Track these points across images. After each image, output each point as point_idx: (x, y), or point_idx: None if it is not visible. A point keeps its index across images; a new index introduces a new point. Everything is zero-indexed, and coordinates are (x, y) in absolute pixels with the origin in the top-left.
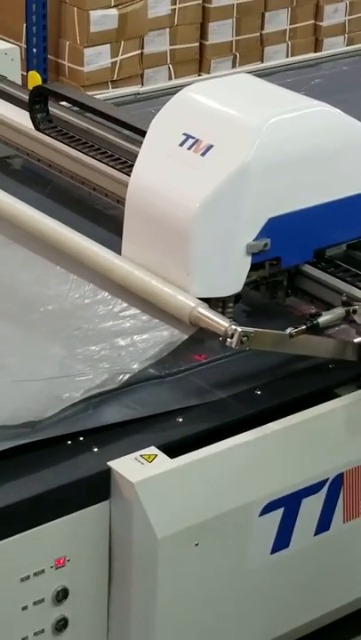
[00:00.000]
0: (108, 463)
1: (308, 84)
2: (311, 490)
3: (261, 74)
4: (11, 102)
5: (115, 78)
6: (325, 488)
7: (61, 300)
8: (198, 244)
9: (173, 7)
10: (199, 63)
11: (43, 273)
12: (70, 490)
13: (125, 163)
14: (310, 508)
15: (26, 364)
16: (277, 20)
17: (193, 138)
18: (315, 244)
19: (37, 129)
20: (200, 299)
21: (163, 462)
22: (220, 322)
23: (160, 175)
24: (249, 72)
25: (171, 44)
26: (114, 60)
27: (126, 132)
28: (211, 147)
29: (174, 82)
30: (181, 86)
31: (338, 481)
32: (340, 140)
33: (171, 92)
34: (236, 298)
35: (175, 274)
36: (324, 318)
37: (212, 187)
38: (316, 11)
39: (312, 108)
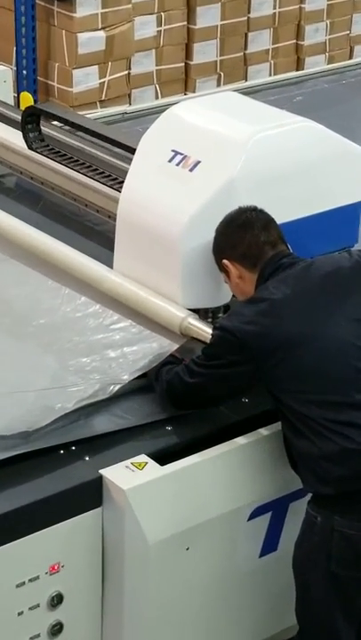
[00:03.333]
0: (100, 471)
1: (291, 101)
2: (298, 494)
3: (245, 92)
4: (3, 122)
5: (103, 98)
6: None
7: (53, 313)
8: (188, 257)
9: (159, 29)
10: (185, 83)
11: (36, 288)
12: (63, 498)
13: (116, 179)
14: (298, 511)
15: (19, 376)
16: (260, 40)
17: (181, 154)
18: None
19: (30, 148)
20: (190, 309)
21: (153, 469)
22: (211, 332)
23: (150, 190)
24: (233, 91)
25: (157, 65)
26: (102, 80)
27: (116, 149)
28: (198, 162)
29: (161, 101)
30: (168, 105)
31: None
32: (324, 154)
33: (158, 110)
34: (225, 308)
35: (165, 286)
36: None
37: (201, 201)
38: (298, 30)
39: (296, 123)
